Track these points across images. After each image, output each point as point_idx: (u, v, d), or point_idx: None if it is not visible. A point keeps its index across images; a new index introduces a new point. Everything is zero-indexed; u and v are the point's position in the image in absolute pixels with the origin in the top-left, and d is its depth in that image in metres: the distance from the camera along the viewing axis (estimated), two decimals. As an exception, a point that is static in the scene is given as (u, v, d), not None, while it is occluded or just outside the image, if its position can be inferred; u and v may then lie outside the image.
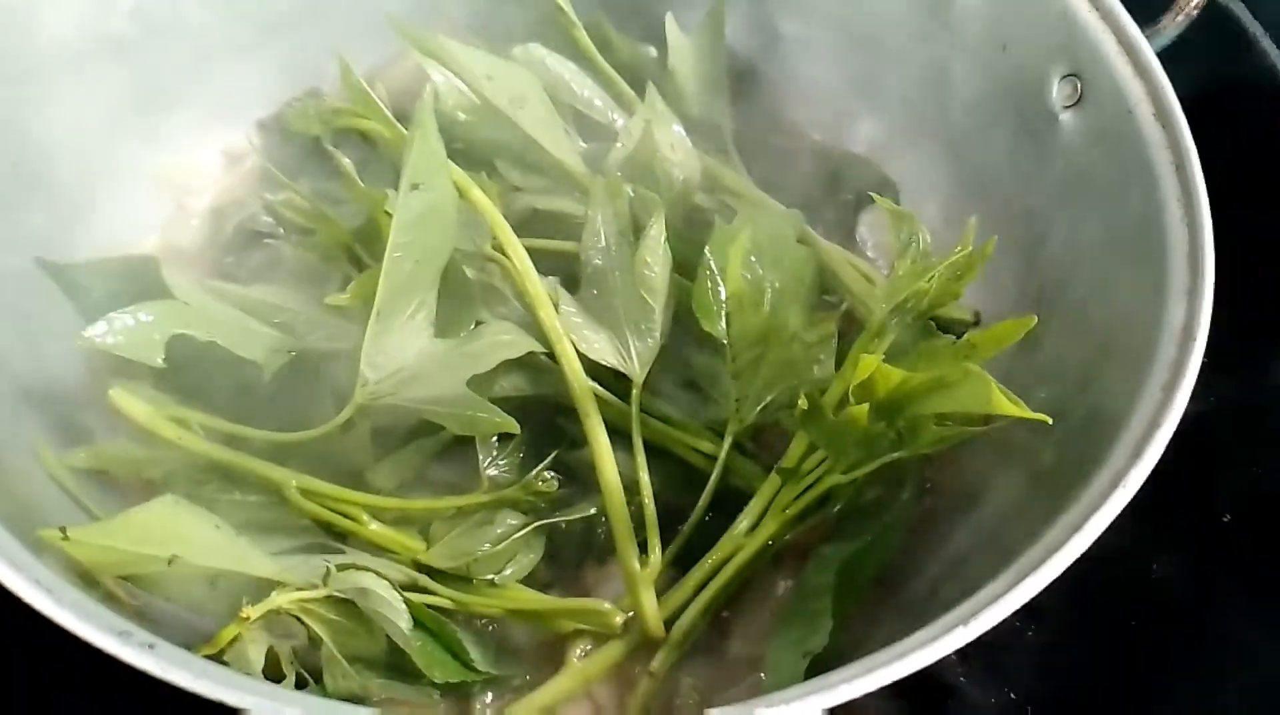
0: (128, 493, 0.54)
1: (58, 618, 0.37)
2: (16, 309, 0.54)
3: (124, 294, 0.55)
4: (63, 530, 0.42)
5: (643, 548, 0.53)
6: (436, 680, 0.48)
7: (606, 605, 0.52)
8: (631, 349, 0.56)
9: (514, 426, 0.52)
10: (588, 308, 0.57)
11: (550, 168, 0.62)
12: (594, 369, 0.55)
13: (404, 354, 0.52)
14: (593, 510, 0.55)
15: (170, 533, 0.45)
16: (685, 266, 0.57)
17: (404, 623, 0.48)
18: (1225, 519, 0.62)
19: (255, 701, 0.36)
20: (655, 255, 0.56)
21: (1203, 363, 0.46)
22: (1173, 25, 0.58)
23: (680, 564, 0.54)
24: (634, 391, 0.55)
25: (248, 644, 0.47)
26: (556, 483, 0.54)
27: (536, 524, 0.54)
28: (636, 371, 0.55)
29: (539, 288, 0.56)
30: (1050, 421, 0.44)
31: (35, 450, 0.51)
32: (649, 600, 0.52)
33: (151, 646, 0.36)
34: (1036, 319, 0.47)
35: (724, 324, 0.55)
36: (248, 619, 0.45)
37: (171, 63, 0.65)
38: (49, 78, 0.59)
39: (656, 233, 0.56)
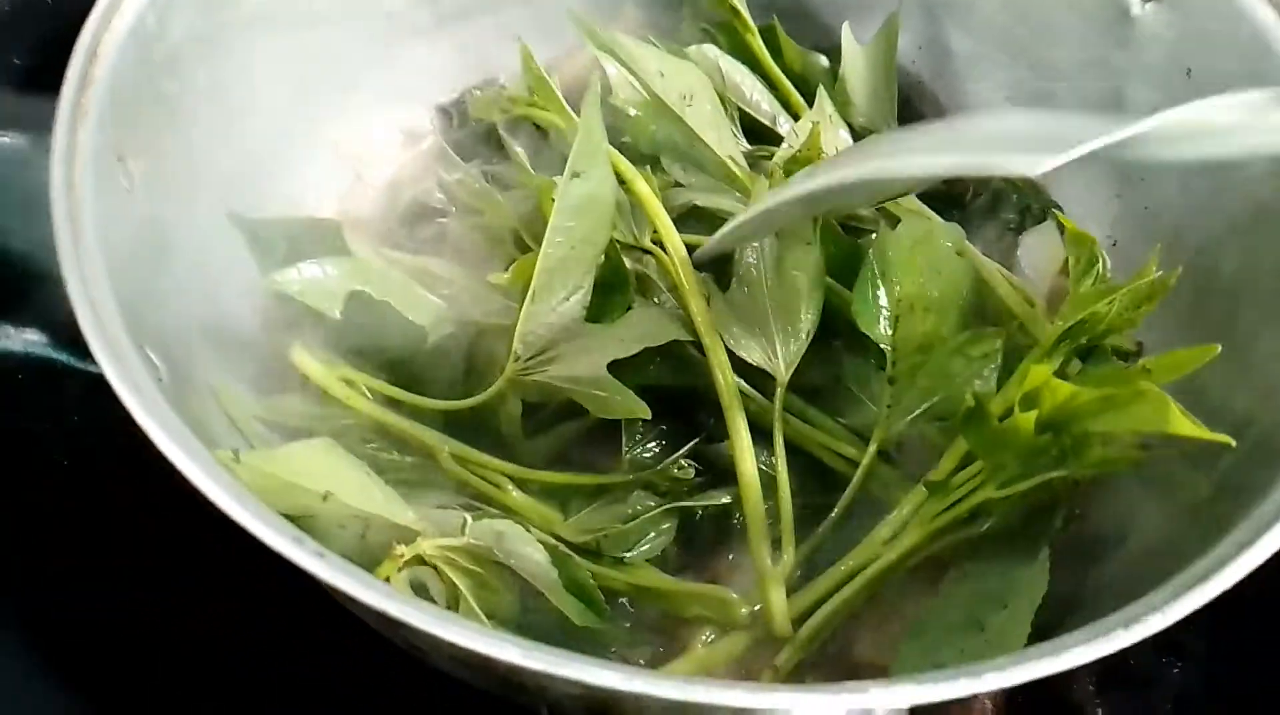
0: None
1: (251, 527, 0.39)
2: (202, 256, 0.57)
3: (304, 252, 0.58)
4: (235, 453, 0.44)
5: (776, 545, 0.53)
6: (576, 623, 0.49)
7: (732, 595, 0.53)
8: (778, 349, 0.56)
9: (645, 411, 0.53)
10: (737, 305, 0.57)
11: (713, 166, 0.63)
12: (740, 365, 0.56)
13: (554, 334, 0.53)
14: (726, 499, 0.55)
15: (326, 470, 0.48)
16: (842, 271, 0.57)
17: (542, 557, 0.49)
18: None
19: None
20: (806, 260, 0.56)
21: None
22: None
23: (811, 565, 0.54)
24: (778, 391, 0.56)
25: (395, 594, 0.48)
26: (693, 471, 0.56)
27: (667, 506, 0.55)
28: (782, 371, 0.56)
29: (693, 281, 0.57)
30: (1234, 443, 0.42)
31: (214, 390, 0.54)
32: (778, 597, 0.52)
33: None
34: (1219, 348, 0.46)
35: (887, 329, 0.55)
36: (401, 557, 0.47)
37: (361, 42, 0.68)
38: (249, 43, 0.62)
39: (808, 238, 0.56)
